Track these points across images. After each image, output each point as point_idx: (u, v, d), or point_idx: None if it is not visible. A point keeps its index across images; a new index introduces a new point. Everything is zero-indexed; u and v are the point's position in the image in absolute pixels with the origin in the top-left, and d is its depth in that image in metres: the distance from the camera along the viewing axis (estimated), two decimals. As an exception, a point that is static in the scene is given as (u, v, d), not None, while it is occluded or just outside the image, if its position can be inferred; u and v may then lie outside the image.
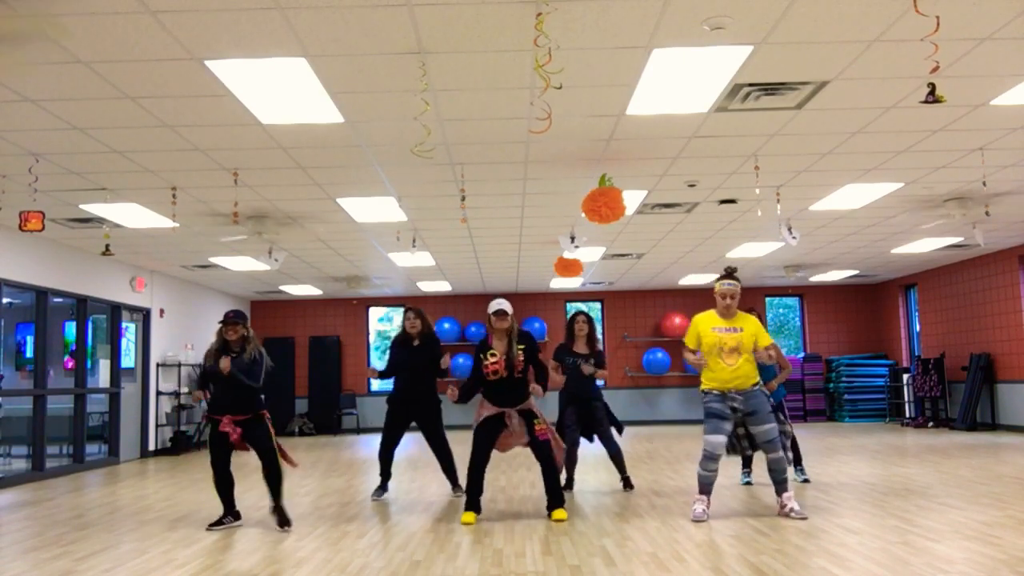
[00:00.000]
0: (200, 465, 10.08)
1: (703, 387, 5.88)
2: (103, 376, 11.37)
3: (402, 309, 16.86)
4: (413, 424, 7.12)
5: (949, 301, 14.27)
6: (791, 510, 5.71)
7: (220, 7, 4.01)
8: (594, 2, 4.06)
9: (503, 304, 6.05)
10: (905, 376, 15.38)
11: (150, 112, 5.45)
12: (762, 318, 7.24)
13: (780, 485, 5.82)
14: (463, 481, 7.00)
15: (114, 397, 11.43)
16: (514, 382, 5.94)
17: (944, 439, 11.68)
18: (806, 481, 7.39)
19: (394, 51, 4.56)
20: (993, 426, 13.07)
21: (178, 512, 6.72)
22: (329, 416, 16.25)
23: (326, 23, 4.20)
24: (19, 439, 10.61)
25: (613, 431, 7.25)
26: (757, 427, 5.76)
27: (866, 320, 16.92)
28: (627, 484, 7.24)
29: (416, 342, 7.07)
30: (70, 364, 11.71)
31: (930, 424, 14.20)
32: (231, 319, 5.94)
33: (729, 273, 5.95)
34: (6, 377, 12.31)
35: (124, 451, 11.55)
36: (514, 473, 8.54)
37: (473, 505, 5.93)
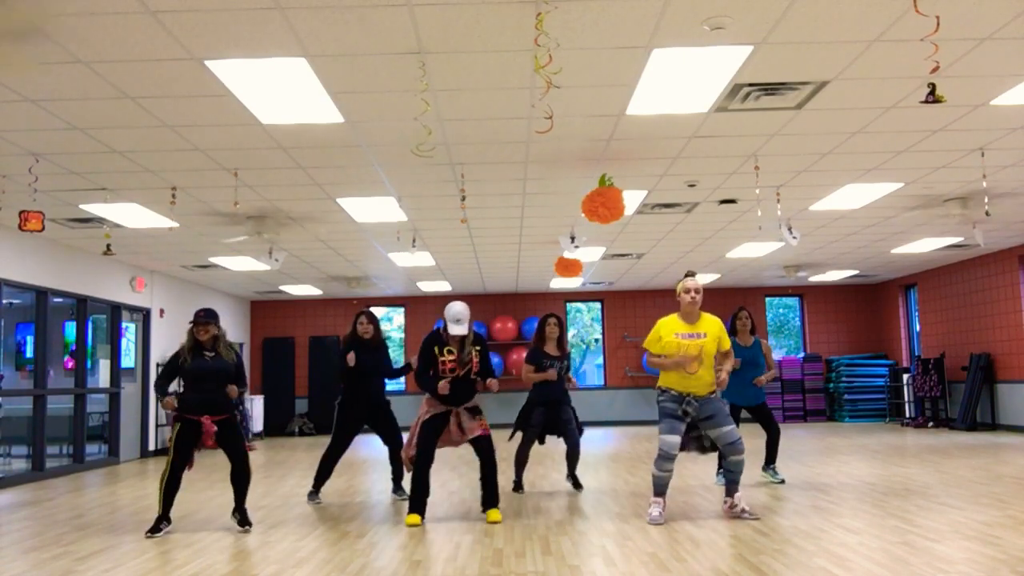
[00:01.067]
0: (199, 465, 10.06)
1: (660, 384, 5.77)
2: (103, 376, 11.37)
3: (402, 309, 17.03)
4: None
5: (949, 301, 14.27)
6: (742, 510, 5.68)
7: (220, 7, 4.01)
8: (594, 2, 4.06)
9: (461, 313, 5.92)
10: (905, 376, 15.38)
11: (150, 112, 5.45)
12: (758, 317, 7.19)
13: (732, 485, 5.77)
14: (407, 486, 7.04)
15: (114, 397, 11.43)
16: (466, 381, 5.95)
17: (944, 439, 11.68)
18: (782, 482, 7.39)
19: (394, 51, 4.56)
20: (993, 426, 13.07)
21: (178, 512, 6.71)
22: (329, 416, 16.03)
23: (326, 23, 4.20)
24: (19, 439, 10.61)
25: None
26: (717, 430, 5.67)
27: (866, 320, 16.91)
28: (576, 484, 7.29)
29: (374, 346, 7.11)
30: (70, 364, 11.71)
31: (930, 424, 14.19)
32: (202, 319, 5.88)
33: (691, 273, 5.90)
34: (6, 377, 12.31)
35: (124, 451, 11.55)
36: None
37: (418, 507, 5.87)
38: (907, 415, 15.15)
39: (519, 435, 7.32)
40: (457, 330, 5.88)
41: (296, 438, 15.38)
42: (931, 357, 14.49)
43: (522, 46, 4.52)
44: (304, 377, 16.60)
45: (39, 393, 9.72)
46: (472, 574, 4.34)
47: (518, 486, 7.31)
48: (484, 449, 5.95)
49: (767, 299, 17.12)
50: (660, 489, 5.73)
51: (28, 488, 8.74)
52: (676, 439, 5.64)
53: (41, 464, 9.60)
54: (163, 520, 5.76)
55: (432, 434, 5.93)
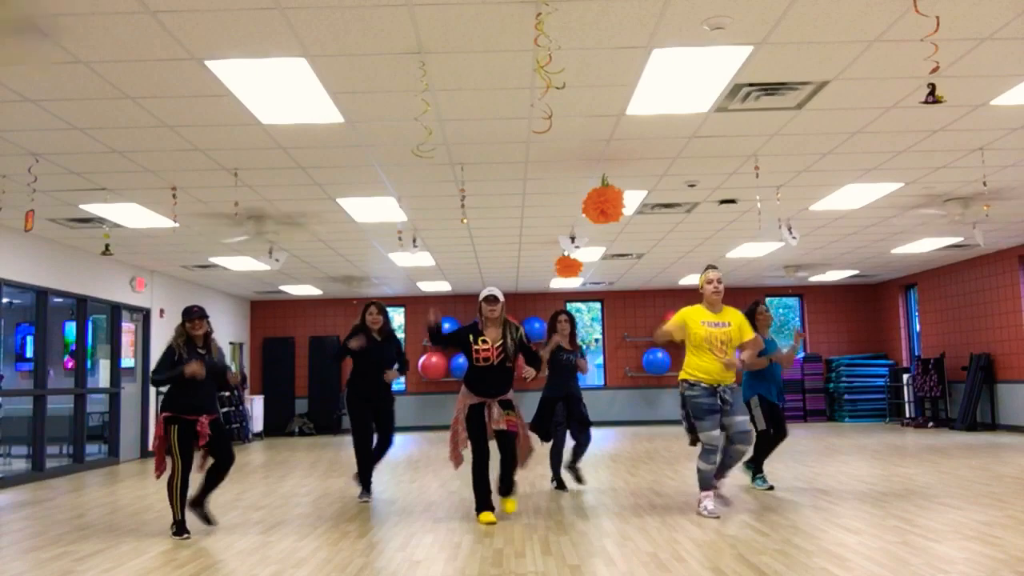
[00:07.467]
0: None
1: (688, 377, 5.85)
2: (103, 376, 11.37)
3: (402, 308, 17.02)
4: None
5: (949, 301, 14.27)
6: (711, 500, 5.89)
7: (220, 7, 4.01)
8: (594, 2, 4.06)
9: (494, 290, 6.02)
10: (905, 376, 15.38)
11: (150, 112, 5.45)
12: (766, 314, 7.16)
13: (724, 470, 6.03)
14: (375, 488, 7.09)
15: (114, 397, 11.43)
16: (502, 371, 5.92)
17: (944, 439, 11.68)
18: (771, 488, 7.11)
19: (394, 51, 4.56)
20: (993, 426, 13.07)
21: (178, 512, 6.72)
22: (329, 416, 16.22)
23: (326, 23, 4.20)
24: (19, 439, 10.60)
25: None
26: (732, 418, 5.84)
27: (866, 320, 16.91)
28: (578, 478, 7.31)
29: (378, 337, 7.07)
30: (70, 364, 11.71)
31: (930, 424, 14.19)
32: (197, 313, 5.80)
33: (713, 266, 6.08)
34: (6, 377, 12.31)
35: (124, 451, 11.54)
36: (514, 473, 8.52)
37: (486, 504, 5.87)
38: (907, 415, 15.15)
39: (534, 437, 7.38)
40: (485, 291, 5.97)
41: (296, 438, 15.37)
42: (931, 357, 14.49)
43: (522, 46, 4.52)
44: (304, 377, 16.59)
45: (39, 393, 9.72)
46: (472, 574, 4.34)
47: (561, 484, 7.31)
48: (505, 443, 5.92)
49: (767, 299, 17.14)
50: (707, 483, 5.92)
51: (28, 488, 8.74)
52: (718, 432, 5.83)
53: (41, 464, 9.60)
54: (183, 525, 5.58)
55: (480, 434, 5.89)
